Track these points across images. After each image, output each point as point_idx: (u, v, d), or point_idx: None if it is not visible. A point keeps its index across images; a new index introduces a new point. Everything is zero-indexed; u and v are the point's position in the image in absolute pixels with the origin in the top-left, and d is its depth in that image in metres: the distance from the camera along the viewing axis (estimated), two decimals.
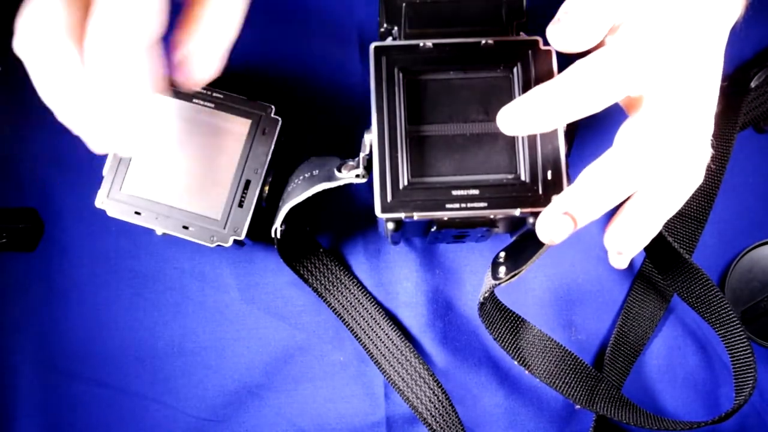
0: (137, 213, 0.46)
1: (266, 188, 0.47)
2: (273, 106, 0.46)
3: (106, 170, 0.46)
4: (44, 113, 0.52)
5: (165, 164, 0.46)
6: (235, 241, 0.46)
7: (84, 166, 0.51)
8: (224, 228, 0.46)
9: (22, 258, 0.52)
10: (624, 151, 0.33)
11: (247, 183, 0.46)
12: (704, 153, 0.36)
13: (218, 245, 0.46)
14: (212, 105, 0.46)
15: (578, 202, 0.33)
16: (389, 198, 0.36)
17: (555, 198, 0.35)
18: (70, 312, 0.51)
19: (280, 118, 0.46)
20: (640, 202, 0.35)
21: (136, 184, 0.46)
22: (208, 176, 0.46)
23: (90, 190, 0.47)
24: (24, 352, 0.51)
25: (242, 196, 0.46)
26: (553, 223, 0.33)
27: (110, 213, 0.46)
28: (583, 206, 0.33)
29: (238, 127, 0.46)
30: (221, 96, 0.46)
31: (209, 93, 0.46)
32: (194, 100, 0.46)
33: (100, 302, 0.51)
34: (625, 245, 0.36)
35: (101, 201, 0.46)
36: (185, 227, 0.46)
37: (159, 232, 0.46)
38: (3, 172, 0.52)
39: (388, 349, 0.50)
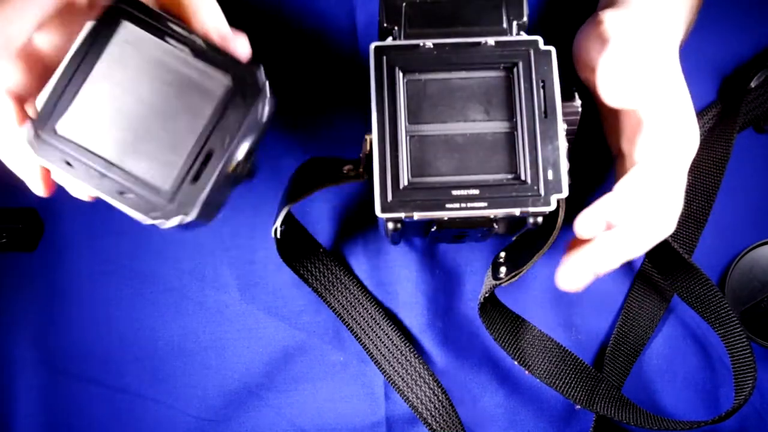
0: (68, 164, 0.36)
1: (231, 166, 0.37)
2: (262, 67, 0.36)
3: (43, 97, 0.36)
4: None
5: (115, 109, 0.36)
6: (185, 225, 0.36)
7: None
8: (170, 202, 0.36)
9: (22, 258, 0.52)
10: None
11: (209, 155, 0.36)
12: (679, 203, 0.40)
13: (157, 222, 0.36)
14: (188, 50, 0.36)
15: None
16: (389, 198, 0.36)
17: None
18: (70, 312, 0.51)
19: (267, 83, 0.36)
20: (612, 239, 0.38)
21: (74, 125, 0.36)
22: (164, 136, 0.36)
23: None
24: (24, 351, 0.51)
25: (199, 169, 0.36)
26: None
27: (37, 154, 0.36)
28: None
29: (214, 83, 0.36)
30: (201, 43, 0.36)
31: (187, 34, 0.36)
32: (167, 39, 0.36)
33: (100, 302, 0.51)
34: (582, 279, 0.39)
35: (29, 137, 0.36)
36: (121, 192, 0.36)
37: (87, 195, 0.37)
38: (3, 172, 0.52)
39: (388, 349, 0.50)
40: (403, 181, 0.36)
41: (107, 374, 0.51)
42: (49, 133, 0.36)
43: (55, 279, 0.52)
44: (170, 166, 0.36)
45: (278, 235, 0.46)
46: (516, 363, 0.46)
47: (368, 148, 0.37)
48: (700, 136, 0.52)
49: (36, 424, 0.51)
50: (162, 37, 0.36)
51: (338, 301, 0.51)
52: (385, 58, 0.37)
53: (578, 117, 0.40)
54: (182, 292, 0.51)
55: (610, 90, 0.37)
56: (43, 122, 0.36)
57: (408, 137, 0.36)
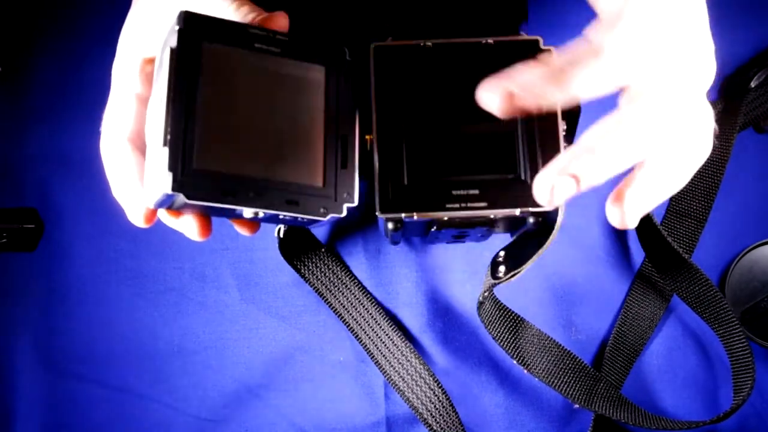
0: (227, 193, 0.34)
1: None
2: (346, 48, 0.38)
3: (159, 141, 0.33)
4: (44, 113, 0.53)
5: (237, 128, 0.35)
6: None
7: (84, 166, 0.51)
8: (333, 197, 0.37)
9: (22, 258, 0.52)
10: (629, 115, 0.30)
11: (344, 139, 0.37)
12: (709, 122, 0.35)
13: (330, 216, 0.36)
14: (278, 50, 0.36)
15: (583, 163, 0.30)
16: (389, 198, 0.36)
17: (557, 157, 0.31)
18: (71, 312, 0.51)
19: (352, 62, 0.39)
20: (647, 173, 0.32)
21: (209, 156, 0.34)
22: (294, 137, 0.36)
23: (90, 190, 0.47)
24: (24, 352, 0.51)
25: (343, 155, 0.37)
26: (554, 184, 0.29)
27: (186, 199, 0.33)
28: (588, 168, 0.30)
29: (314, 74, 0.37)
30: (285, 38, 0.36)
31: (271, 35, 0.36)
32: (256, 45, 0.36)
33: (101, 302, 0.51)
34: (629, 219, 0.32)
35: (170, 181, 0.32)
36: (290, 202, 0.35)
37: (251, 213, 0.35)
38: (3, 172, 0.52)
39: (388, 349, 0.50)
40: (403, 181, 0.36)
41: (107, 374, 0.51)
42: (191, 174, 0.33)
43: (55, 279, 0.52)
44: (314, 163, 0.36)
45: (281, 235, 0.46)
46: (515, 362, 0.46)
47: (368, 148, 0.37)
48: None
49: (36, 424, 0.51)
50: (250, 47, 0.36)
51: (338, 300, 0.51)
52: (385, 58, 0.37)
53: (578, 117, 0.40)
54: (182, 292, 0.51)
55: None
56: (179, 160, 0.33)
57: (408, 137, 0.36)
